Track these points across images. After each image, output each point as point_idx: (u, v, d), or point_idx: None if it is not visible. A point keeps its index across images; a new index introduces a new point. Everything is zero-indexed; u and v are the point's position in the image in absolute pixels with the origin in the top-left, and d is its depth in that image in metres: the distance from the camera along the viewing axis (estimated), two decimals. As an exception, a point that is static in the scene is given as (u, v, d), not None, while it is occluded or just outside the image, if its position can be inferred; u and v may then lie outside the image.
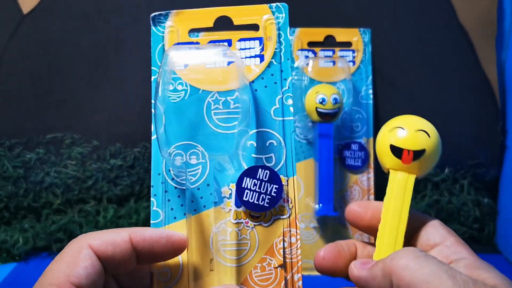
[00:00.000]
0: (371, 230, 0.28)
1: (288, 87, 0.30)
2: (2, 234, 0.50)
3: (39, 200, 0.51)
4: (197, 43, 0.32)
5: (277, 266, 0.26)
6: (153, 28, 0.32)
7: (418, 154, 0.26)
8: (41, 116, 0.51)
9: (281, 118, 0.31)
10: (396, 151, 0.26)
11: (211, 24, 0.32)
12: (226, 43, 0.31)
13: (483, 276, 0.23)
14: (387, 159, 0.27)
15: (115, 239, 0.24)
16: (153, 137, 0.28)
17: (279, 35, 0.31)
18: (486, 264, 0.24)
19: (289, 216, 0.27)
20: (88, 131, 0.51)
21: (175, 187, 0.28)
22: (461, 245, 0.26)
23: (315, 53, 0.48)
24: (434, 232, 0.27)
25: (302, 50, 0.48)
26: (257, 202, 0.27)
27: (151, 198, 0.28)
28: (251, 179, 0.27)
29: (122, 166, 0.51)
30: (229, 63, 0.29)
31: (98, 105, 0.51)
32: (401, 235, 0.26)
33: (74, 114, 0.51)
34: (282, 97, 0.30)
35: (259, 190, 0.27)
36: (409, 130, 0.26)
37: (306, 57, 0.48)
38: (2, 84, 0.51)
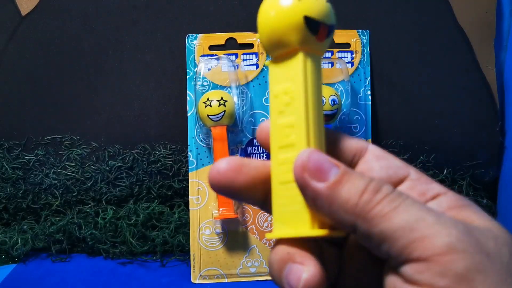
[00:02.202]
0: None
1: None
2: (1, 235, 0.50)
3: (38, 202, 0.51)
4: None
5: None
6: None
7: (330, 30, 0.21)
8: (40, 117, 0.51)
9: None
10: (313, 24, 0.20)
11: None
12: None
13: (472, 218, 0.19)
14: (298, 35, 0.20)
15: None
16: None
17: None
18: (468, 201, 0.20)
19: None
20: (87, 132, 0.51)
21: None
22: (429, 178, 0.21)
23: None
24: (390, 162, 0.22)
25: (300, 51, 0.48)
26: None
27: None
28: None
29: (121, 167, 0.51)
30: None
31: (97, 106, 0.51)
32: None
33: (73, 116, 0.51)
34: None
35: None
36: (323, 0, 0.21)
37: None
38: (0, 86, 0.51)
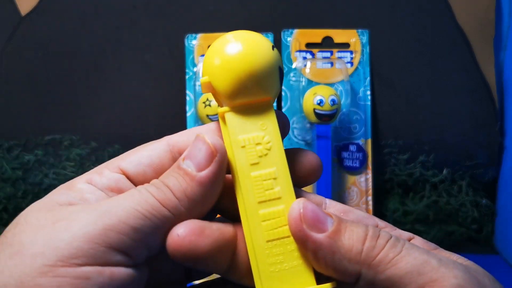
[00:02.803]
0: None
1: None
2: (0, 235, 0.50)
3: (38, 202, 0.51)
4: None
5: None
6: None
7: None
8: (39, 117, 0.51)
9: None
10: (281, 74, 0.21)
11: None
12: None
13: (453, 258, 0.19)
14: (274, 84, 0.20)
15: (150, 155, 0.21)
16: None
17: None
18: (435, 244, 0.21)
19: None
20: (87, 132, 0.51)
21: None
22: (392, 226, 0.22)
23: (313, 54, 0.48)
24: (356, 214, 0.21)
25: (300, 51, 0.48)
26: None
27: None
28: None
29: (121, 167, 0.51)
30: None
31: (96, 106, 0.51)
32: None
33: (72, 116, 0.51)
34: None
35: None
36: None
37: (304, 58, 0.48)
38: (0, 86, 0.51)
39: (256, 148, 0.20)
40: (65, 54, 0.51)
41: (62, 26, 0.51)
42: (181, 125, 0.49)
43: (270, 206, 0.19)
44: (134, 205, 0.18)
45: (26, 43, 0.51)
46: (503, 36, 0.52)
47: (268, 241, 0.19)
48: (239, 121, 0.20)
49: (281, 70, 0.20)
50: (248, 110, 0.20)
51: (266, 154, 0.20)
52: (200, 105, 0.45)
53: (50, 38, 0.51)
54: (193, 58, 0.48)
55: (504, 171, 0.51)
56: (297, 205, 0.19)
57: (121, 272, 0.17)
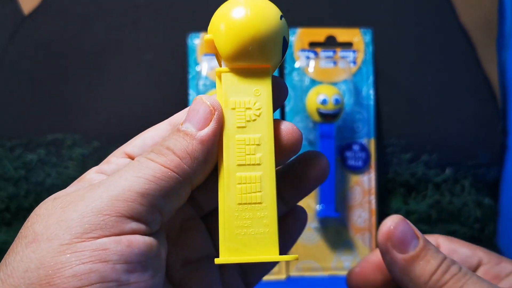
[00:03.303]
0: None
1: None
2: (3, 235, 0.50)
3: (40, 201, 0.50)
4: None
5: None
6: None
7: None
8: (41, 117, 0.51)
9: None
10: (285, 45, 0.21)
11: None
12: None
13: None
14: (275, 53, 0.21)
15: (153, 136, 0.21)
16: None
17: None
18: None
19: None
20: (89, 132, 0.51)
21: None
22: (498, 256, 0.24)
23: (316, 53, 0.48)
24: (460, 252, 0.24)
25: (303, 50, 0.48)
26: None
27: None
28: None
29: (123, 167, 0.51)
30: None
31: (98, 106, 0.51)
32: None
33: (74, 115, 0.51)
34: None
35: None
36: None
37: (307, 57, 0.48)
38: (2, 85, 0.51)
39: (245, 112, 0.20)
40: (67, 53, 0.51)
41: (64, 25, 0.50)
42: (183, 125, 0.49)
43: (248, 171, 0.20)
44: (135, 173, 0.18)
45: (28, 42, 0.50)
46: (506, 36, 0.52)
47: (239, 204, 0.20)
48: (234, 83, 0.20)
49: (285, 40, 0.20)
50: (246, 74, 0.20)
51: (254, 120, 0.20)
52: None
53: (52, 38, 0.50)
54: (195, 57, 0.48)
55: (506, 170, 0.51)
56: (390, 222, 0.21)
57: (139, 240, 0.17)
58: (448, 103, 0.51)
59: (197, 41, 0.48)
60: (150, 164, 0.18)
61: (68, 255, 0.16)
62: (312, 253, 0.46)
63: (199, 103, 0.20)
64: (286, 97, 0.22)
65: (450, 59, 0.51)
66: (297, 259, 0.20)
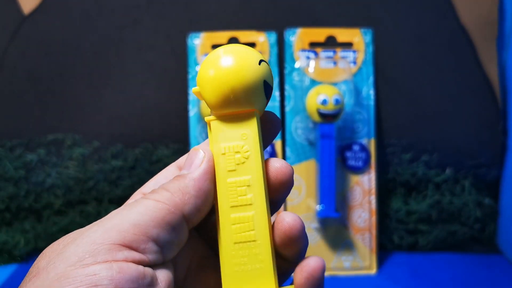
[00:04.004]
0: None
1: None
2: (3, 235, 0.50)
3: (40, 201, 0.51)
4: None
5: None
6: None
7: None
8: (42, 117, 0.51)
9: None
10: (268, 89, 0.22)
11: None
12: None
13: None
14: (257, 97, 0.22)
15: (166, 176, 0.23)
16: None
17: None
18: None
19: None
20: (89, 132, 0.51)
21: None
22: None
23: (316, 53, 0.48)
24: None
25: (303, 50, 0.48)
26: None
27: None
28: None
29: (123, 167, 0.51)
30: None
31: (99, 105, 0.51)
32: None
33: (75, 115, 0.51)
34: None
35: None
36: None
37: (307, 57, 0.48)
38: (3, 85, 0.51)
39: (234, 156, 0.21)
40: (68, 53, 0.51)
41: (65, 25, 0.50)
42: (183, 125, 0.49)
43: (241, 211, 0.21)
44: (130, 208, 0.20)
45: (29, 42, 0.50)
46: (506, 36, 0.52)
47: (235, 243, 0.21)
48: (223, 130, 0.22)
49: (267, 83, 0.21)
50: (232, 120, 0.22)
51: (243, 163, 0.21)
52: (204, 104, 0.45)
53: (52, 37, 0.50)
54: (195, 57, 0.48)
55: (507, 170, 0.51)
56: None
57: (130, 267, 0.18)
58: (448, 103, 0.51)
59: (197, 41, 0.48)
60: (144, 201, 0.20)
61: (62, 282, 0.17)
62: (312, 253, 0.46)
63: (194, 152, 0.22)
64: (279, 130, 0.23)
65: (450, 59, 0.51)
66: None
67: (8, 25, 0.50)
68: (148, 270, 0.19)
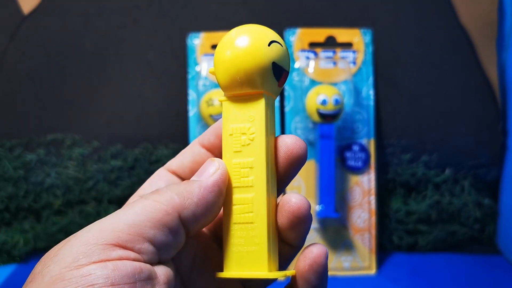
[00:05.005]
0: None
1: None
2: (2, 235, 0.50)
3: (40, 201, 0.50)
4: None
5: None
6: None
7: (287, 76, 0.24)
8: (41, 117, 0.51)
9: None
10: (278, 71, 0.22)
11: None
12: None
13: None
14: (264, 79, 0.21)
15: (185, 156, 0.23)
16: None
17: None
18: None
19: None
20: (89, 132, 0.51)
21: None
22: None
23: (316, 53, 0.48)
24: None
25: (303, 50, 0.48)
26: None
27: None
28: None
29: (123, 167, 0.51)
30: None
31: (98, 105, 0.51)
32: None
33: (74, 115, 0.51)
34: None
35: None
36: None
37: (307, 57, 0.48)
38: (2, 85, 0.51)
39: (241, 138, 0.21)
40: (67, 53, 0.51)
41: (64, 25, 0.50)
42: (183, 125, 0.49)
43: (242, 193, 0.21)
44: (127, 209, 0.20)
45: (28, 42, 0.50)
46: (506, 36, 0.52)
47: (234, 223, 0.21)
48: (232, 111, 0.22)
49: (276, 65, 0.21)
50: (241, 101, 0.22)
51: (248, 144, 0.21)
52: (203, 105, 0.45)
53: (52, 37, 0.50)
54: (195, 57, 0.48)
55: (506, 170, 0.51)
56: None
57: (125, 264, 0.18)
58: (448, 104, 0.51)
59: (197, 41, 0.48)
60: (143, 201, 0.20)
61: (57, 285, 0.17)
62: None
63: (209, 162, 0.22)
64: (305, 160, 0.22)
65: (450, 59, 0.51)
66: (286, 276, 0.21)
67: (7, 25, 0.50)
68: (146, 265, 0.19)
